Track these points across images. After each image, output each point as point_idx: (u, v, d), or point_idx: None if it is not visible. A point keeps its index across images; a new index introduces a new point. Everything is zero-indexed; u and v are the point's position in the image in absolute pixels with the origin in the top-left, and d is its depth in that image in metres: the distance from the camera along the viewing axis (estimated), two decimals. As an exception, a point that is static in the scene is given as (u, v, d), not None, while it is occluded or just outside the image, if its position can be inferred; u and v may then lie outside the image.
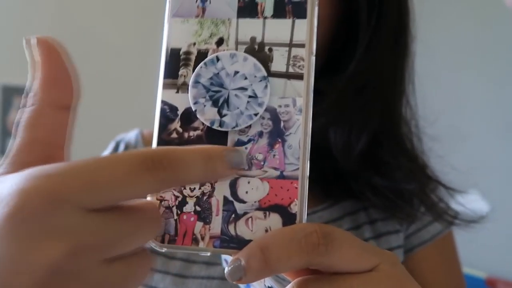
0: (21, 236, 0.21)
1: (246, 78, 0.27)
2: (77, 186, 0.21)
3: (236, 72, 0.27)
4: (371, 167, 0.52)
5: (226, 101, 0.27)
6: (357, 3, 0.51)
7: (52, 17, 1.77)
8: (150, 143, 0.29)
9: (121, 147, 0.65)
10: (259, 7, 0.29)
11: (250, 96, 0.27)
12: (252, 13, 0.29)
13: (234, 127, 0.27)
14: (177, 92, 0.28)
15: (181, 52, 0.29)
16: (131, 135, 0.65)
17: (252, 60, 0.27)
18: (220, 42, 0.28)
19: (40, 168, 0.22)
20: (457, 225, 0.54)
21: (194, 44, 0.29)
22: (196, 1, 0.29)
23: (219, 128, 0.27)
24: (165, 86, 0.28)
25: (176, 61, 0.29)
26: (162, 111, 0.28)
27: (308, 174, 0.27)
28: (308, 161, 0.27)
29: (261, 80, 0.27)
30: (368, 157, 0.51)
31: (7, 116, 1.70)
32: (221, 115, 0.27)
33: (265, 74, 0.27)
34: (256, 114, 0.27)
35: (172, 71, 0.28)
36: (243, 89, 0.27)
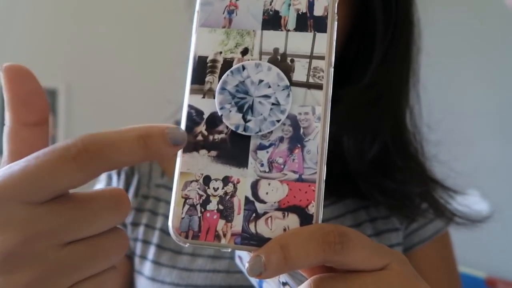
0: None
1: (269, 87, 0.29)
2: (14, 185, 0.24)
3: (261, 81, 0.29)
4: (381, 170, 0.54)
5: (251, 107, 0.29)
6: (373, 15, 0.53)
7: (52, 17, 1.79)
8: None
9: None
10: (282, 20, 0.31)
11: (273, 104, 0.29)
12: (275, 25, 0.30)
13: (257, 132, 0.29)
14: (203, 97, 0.30)
15: (208, 60, 0.30)
16: None
17: (275, 70, 0.29)
18: (245, 51, 0.30)
19: None
20: (462, 225, 0.55)
21: (221, 52, 0.31)
22: (223, 13, 0.31)
23: (243, 133, 0.29)
24: (192, 91, 0.30)
25: (203, 68, 0.30)
26: (189, 114, 0.30)
27: (324, 178, 0.29)
28: (325, 166, 0.29)
29: (283, 89, 0.29)
30: (378, 161, 0.53)
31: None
32: (245, 121, 0.29)
33: (288, 83, 0.29)
34: (278, 121, 0.29)
35: (199, 78, 0.30)
36: (267, 96, 0.29)
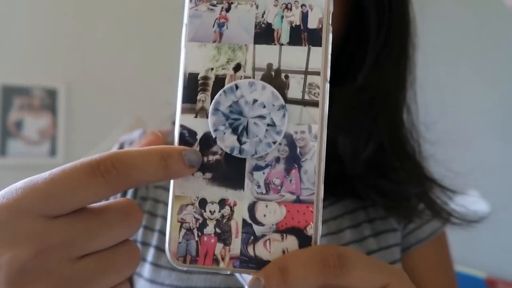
0: None
1: (264, 107, 0.28)
2: (36, 198, 0.25)
3: (255, 101, 0.28)
4: (377, 170, 0.54)
5: (245, 129, 0.28)
6: (368, 18, 0.52)
7: (53, 17, 1.78)
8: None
9: (126, 148, 0.65)
10: (275, 34, 0.29)
11: (268, 125, 0.28)
12: (268, 39, 0.29)
13: (253, 155, 0.28)
14: (196, 116, 0.29)
15: (199, 77, 0.29)
16: (135, 135, 0.66)
17: (270, 89, 0.28)
18: (237, 68, 0.29)
19: (18, 184, 0.26)
20: (459, 225, 0.56)
21: (212, 69, 0.29)
22: (213, 26, 0.30)
23: (239, 155, 0.28)
24: (184, 111, 0.29)
25: (194, 86, 0.29)
26: (181, 135, 0.29)
27: (322, 197, 0.29)
28: (323, 185, 0.29)
29: (279, 109, 0.28)
30: (374, 161, 0.53)
31: (7, 116, 1.70)
32: (240, 143, 0.28)
33: (283, 103, 0.28)
34: (274, 142, 0.28)
35: (190, 96, 0.29)
36: (262, 117, 0.28)
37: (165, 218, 0.58)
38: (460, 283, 0.59)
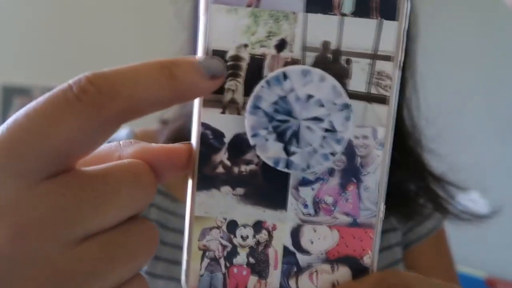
0: None
1: (322, 106, 0.21)
2: (4, 149, 0.17)
3: (310, 97, 0.21)
4: None
5: (295, 135, 0.21)
6: None
7: (53, 17, 1.72)
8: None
9: None
10: None
11: (326, 130, 0.21)
12: (325, 6, 0.21)
13: (304, 169, 0.21)
14: (223, 112, 0.21)
15: (227, 56, 0.21)
16: (122, 134, 0.56)
17: (331, 81, 0.21)
18: (281, 45, 0.21)
19: None
20: (467, 220, 0.54)
21: (246, 46, 0.21)
22: None
23: (285, 170, 0.21)
24: (206, 104, 0.21)
25: None
26: (204, 137, 0.21)
27: (382, 217, 0.23)
28: (384, 205, 0.23)
29: (341, 109, 0.21)
30: None
31: (7, 116, 1.71)
32: (288, 153, 0.21)
33: (348, 101, 0.21)
34: (333, 154, 0.21)
35: None
36: (318, 119, 0.21)
37: (158, 223, 0.50)
38: (460, 283, 0.58)
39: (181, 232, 0.47)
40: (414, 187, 0.53)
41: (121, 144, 0.21)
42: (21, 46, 1.72)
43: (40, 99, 0.18)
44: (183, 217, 0.22)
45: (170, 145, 0.21)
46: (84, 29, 1.75)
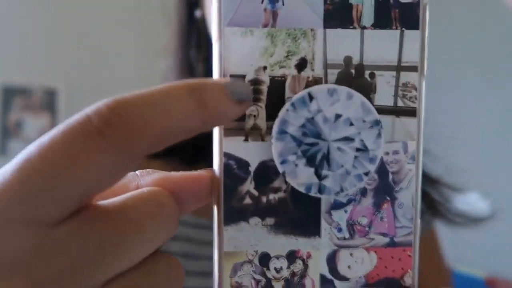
0: None
1: (351, 124, 0.20)
2: (14, 199, 0.15)
3: (338, 116, 0.20)
4: None
5: (326, 157, 0.20)
6: None
7: (53, 17, 1.70)
8: None
9: None
10: (354, 12, 0.20)
11: (358, 149, 0.20)
12: (344, 20, 0.20)
13: (337, 193, 0.20)
14: (246, 140, 0.20)
15: (246, 81, 0.20)
16: None
17: (358, 98, 0.20)
18: (301, 64, 0.20)
19: None
20: (461, 224, 0.52)
21: (265, 68, 0.20)
22: (262, 1, 0.20)
23: (318, 195, 0.20)
24: (227, 132, 0.20)
25: None
26: (227, 168, 0.20)
27: (420, 233, 0.22)
28: (419, 221, 0.22)
29: (372, 126, 0.20)
30: None
31: (7, 116, 1.67)
32: (320, 178, 0.20)
33: (377, 117, 0.20)
34: (366, 174, 0.20)
35: None
36: (349, 139, 0.20)
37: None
38: (460, 283, 0.57)
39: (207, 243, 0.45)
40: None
41: (138, 174, 0.20)
42: (21, 46, 1.70)
43: (56, 134, 0.16)
44: (205, 229, 0.20)
45: (191, 172, 0.20)
46: (84, 29, 1.74)
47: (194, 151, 0.50)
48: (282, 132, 0.20)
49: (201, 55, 0.53)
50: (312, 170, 0.20)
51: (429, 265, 0.56)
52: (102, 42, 1.75)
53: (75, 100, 1.76)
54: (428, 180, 0.52)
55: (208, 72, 0.53)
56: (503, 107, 1.59)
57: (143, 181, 0.19)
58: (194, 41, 0.54)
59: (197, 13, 0.53)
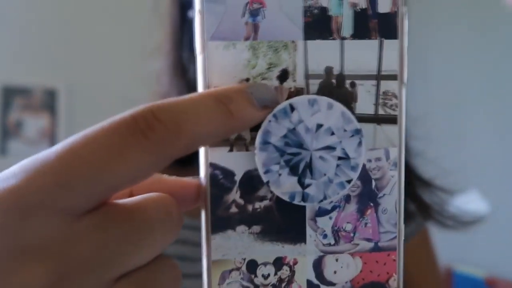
0: None
1: (333, 134, 0.20)
2: (49, 186, 0.16)
3: (319, 126, 0.20)
4: None
5: (309, 166, 0.20)
6: None
7: (53, 17, 1.70)
8: None
9: None
10: (333, 23, 0.21)
11: (340, 158, 0.20)
12: (324, 32, 0.21)
13: (321, 201, 0.21)
14: (231, 150, 0.21)
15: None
16: None
17: (339, 107, 0.20)
18: (283, 76, 0.21)
19: (15, 167, 0.17)
20: (453, 228, 0.52)
21: (248, 80, 0.20)
22: (244, 15, 0.20)
23: (302, 203, 0.21)
24: (213, 143, 0.20)
25: None
26: (213, 178, 0.21)
27: (403, 238, 0.22)
28: (403, 226, 0.22)
29: (353, 135, 0.20)
30: None
31: (7, 116, 1.66)
32: (303, 186, 0.20)
33: (358, 126, 0.20)
34: (349, 181, 0.21)
35: None
36: (331, 148, 0.20)
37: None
38: (460, 283, 0.57)
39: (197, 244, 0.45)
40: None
41: None
42: (21, 46, 1.69)
43: (101, 127, 0.17)
44: (199, 231, 0.21)
45: (181, 178, 0.21)
46: (84, 29, 1.74)
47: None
48: (265, 143, 0.20)
49: (194, 55, 0.54)
50: (295, 179, 0.20)
51: (421, 266, 0.56)
52: (102, 42, 1.75)
53: (75, 100, 1.76)
54: (420, 183, 0.52)
55: None
56: (504, 106, 1.58)
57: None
58: (187, 41, 0.55)
59: (191, 14, 0.53)
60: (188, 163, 0.51)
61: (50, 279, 0.16)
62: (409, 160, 0.51)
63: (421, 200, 0.52)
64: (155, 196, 0.19)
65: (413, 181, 0.52)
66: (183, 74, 0.55)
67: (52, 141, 1.76)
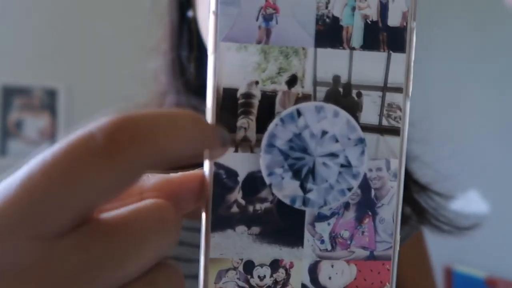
0: None
1: (337, 141, 0.21)
2: (16, 214, 0.16)
3: (324, 133, 0.21)
4: None
5: (311, 171, 0.21)
6: None
7: (53, 17, 1.72)
8: None
9: None
10: (344, 33, 0.21)
11: (342, 165, 0.21)
12: (335, 41, 0.21)
13: (321, 206, 0.21)
14: (236, 150, 0.21)
15: (238, 94, 0.21)
16: None
17: (344, 116, 0.21)
18: (292, 81, 0.21)
19: None
20: (450, 233, 0.53)
21: (257, 83, 0.21)
22: (257, 19, 0.21)
23: (302, 208, 0.21)
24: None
25: (232, 107, 0.21)
26: (217, 177, 0.21)
27: (398, 248, 0.23)
28: (399, 236, 0.23)
29: (356, 144, 0.21)
30: None
31: (7, 116, 1.68)
32: (305, 191, 0.21)
33: (362, 135, 0.21)
34: (350, 189, 0.21)
35: (226, 121, 0.21)
36: (334, 155, 0.21)
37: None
38: (460, 283, 0.57)
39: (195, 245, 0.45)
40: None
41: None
42: (21, 46, 1.70)
43: (57, 150, 0.16)
44: (197, 232, 0.21)
45: (186, 173, 0.20)
46: (84, 29, 1.74)
47: None
48: (270, 146, 0.20)
49: (192, 55, 0.54)
50: (297, 183, 0.21)
51: (415, 269, 0.56)
52: (102, 42, 1.75)
53: (75, 100, 1.76)
54: (417, 187, 0.52)
55: (199, 72, 0.54)
56: (504, 107, 1.59)
57: (146, 181, 0.20)
58: (185, 41, 0.55)
59: (189, 13, 0.54)
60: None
61: None
62: (406, 164, 0.51)
63: (417, 204, 0.52)
64: (149, 204, 0.18)
65: (410, 185, 0.52)
66: (181, 73, 0.55)
67: (52, 141, 1.75)
